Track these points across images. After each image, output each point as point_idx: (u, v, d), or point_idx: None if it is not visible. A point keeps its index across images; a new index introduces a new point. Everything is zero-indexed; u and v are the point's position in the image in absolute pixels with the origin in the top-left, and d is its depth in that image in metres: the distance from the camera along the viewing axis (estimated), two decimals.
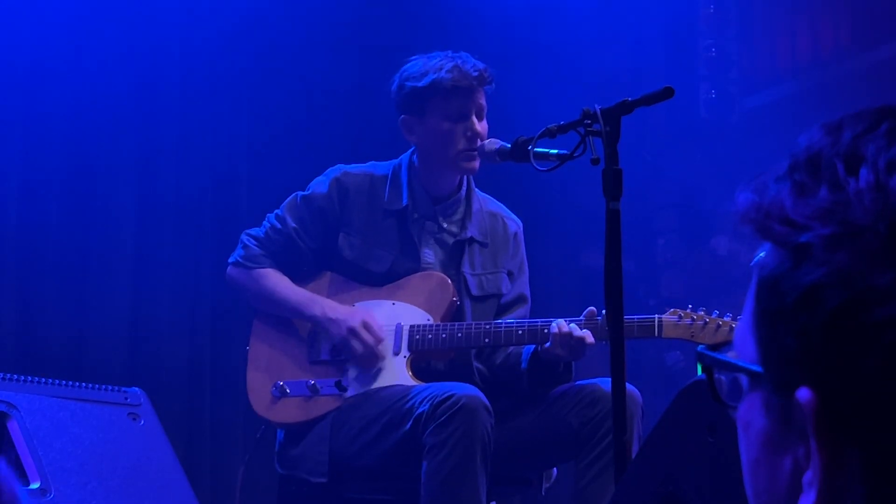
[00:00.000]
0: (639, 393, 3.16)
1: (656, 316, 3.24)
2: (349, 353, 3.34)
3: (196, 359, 4.57)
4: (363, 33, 4.96)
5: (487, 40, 5.15)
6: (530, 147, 2.83)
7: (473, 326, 3.31)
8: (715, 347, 0.83)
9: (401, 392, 3.23)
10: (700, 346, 0.83)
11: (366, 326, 3.31)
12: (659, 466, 1.94)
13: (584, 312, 3.27)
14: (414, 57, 3.41)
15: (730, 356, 0.81)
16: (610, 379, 3.10)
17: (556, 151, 2.80)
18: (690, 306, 3.27)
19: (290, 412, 3.35)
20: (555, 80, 5.13)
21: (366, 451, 3.24)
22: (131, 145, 4.56)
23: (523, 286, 3.55)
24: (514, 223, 3.57)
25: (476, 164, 3.34)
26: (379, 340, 3.32)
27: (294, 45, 4.84)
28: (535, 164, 2.81)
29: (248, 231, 3.49)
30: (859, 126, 0.74)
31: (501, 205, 3.59)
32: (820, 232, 0.71)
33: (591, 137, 2.60)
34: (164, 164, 4.61)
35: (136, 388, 3.01)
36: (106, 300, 4.44)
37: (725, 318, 3.25)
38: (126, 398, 2.94)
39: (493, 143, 3.22)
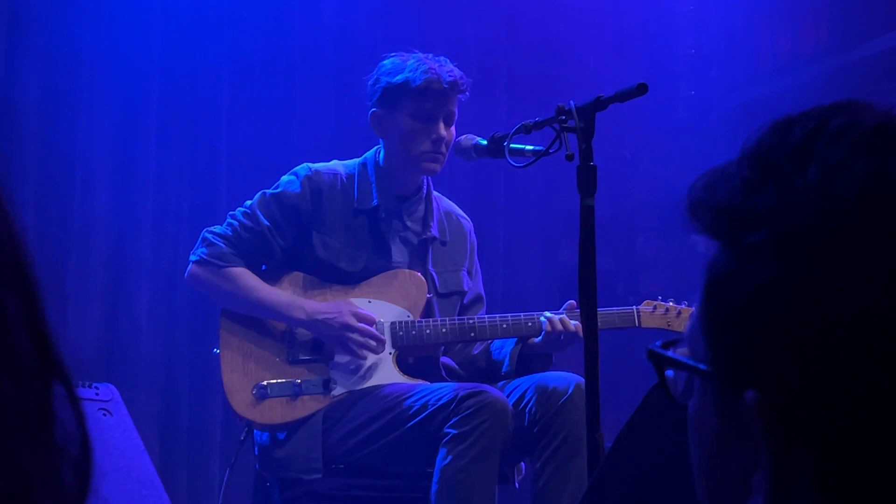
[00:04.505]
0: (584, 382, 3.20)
1: (634, 307, 3.40)
2: (347, 350, 3.33)
3: (172, 356, 4.54)
4: (343, 30, 4.94)
5: (467, 38, 5.14)
6: (506, 143, 2.83)
7: (458, 321, 3.37)
8: (667, 345, 0.82)
9: (406, 389, 3.26)
10: (652, 343, 0.82)
11: (357, 317, 3.32)
12: (628, 467, 1.93)
13: (564, 305, 3.35)
14: (395, 53, 3.43)
15: (682, 354, 0.80)
16: (551, 373, 3.29)
17: (531, 148, 2.81)
18: (660, 297, 3.42)
19: (275, 413, 3.32)
20: (534, 77, 5.13)
21: (362, 447, 3.26)
22: (108, 141, 4.53)
23: (479, 286, 3.62)
24: (467, 221, 3.65)
25: (437, 166, 3.40)
26: (372, 322, 3.34)
27: (274, 41, 4.82)
28: (510, 161, 2.81)
29: (210, 229, 3.44)
30: (809, 124, 0.73)
31: (453, 203, 3.65)
32: (767, 232, 0.71)
33: (565, 134, 2.59)
34: (141, 159, 4.59)
35: (108, 384, 3.00)
36: (81, 295, 4.41)
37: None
38: (97, 394, 2.93)
39: (468, 140, 3.22)
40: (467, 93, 3.39)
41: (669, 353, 0.80)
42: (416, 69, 3.34)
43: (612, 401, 3.17)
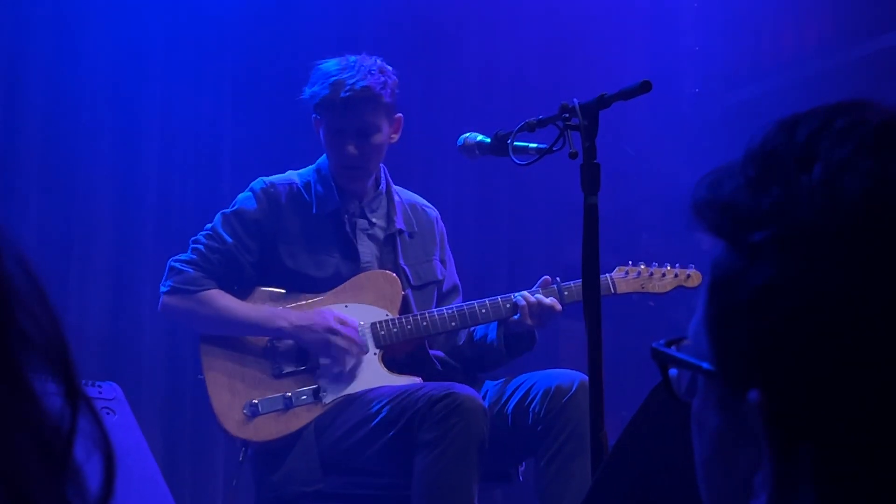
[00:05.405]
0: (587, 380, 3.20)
1: (607, 274, 3.40)
2: (332, 354, 3.31)
3: (176, 354, 4.53)
4: (346, 29, 4.94)
5: (471, 36, 5.14)
6: (509, 141, 2.82)
7: (437, 313, 3.36)
8: (671, 343, 0.82)
9: (387, 393, 3.24)
10: (656, 342, 0.82)
11: (340, 321, 3.30)
12: (632, 465, 1.92)
13: (539, 282, 3.39)
14: (324, 59, 3.40)
15: (686, 352, 0.80)
16: (555, 371, 3.30)
17: (535, 146, 2.79)
18: (630, 262, 3.47)
19: (269, 428, 3.29)
20: (538, 75, 5.12)
21: (352, 452, 3.23)
22: (112, 140, 4.53)
23: (454, 275, 3.61)
24: (433, 210, 3.63)
25: (355, 183, 3.39)
26: (355, 329, 3.32)
27: (276, 40, 4.81)
28: (514, 158, 2.80)
29: (175, 257, 3.40)
30: (814, 123, 0.73)
31: (415, 194, 3.63)
32: (772, 231, 0.70)
33: (569, 131, 2.58)
34: (144, 158, 4.58)
35: (112, 383, 2.99)
36: (84, 293, 4.41)
37: (672, 267, 3.50)
38: (101, 392, 2.93)
39: (472, 138, 3.21)
40: (387, 98, 3.32)
41: (673, 351, 0.80)
42: (324, 81, 3.30)
43: (617, 399, 3.17)
